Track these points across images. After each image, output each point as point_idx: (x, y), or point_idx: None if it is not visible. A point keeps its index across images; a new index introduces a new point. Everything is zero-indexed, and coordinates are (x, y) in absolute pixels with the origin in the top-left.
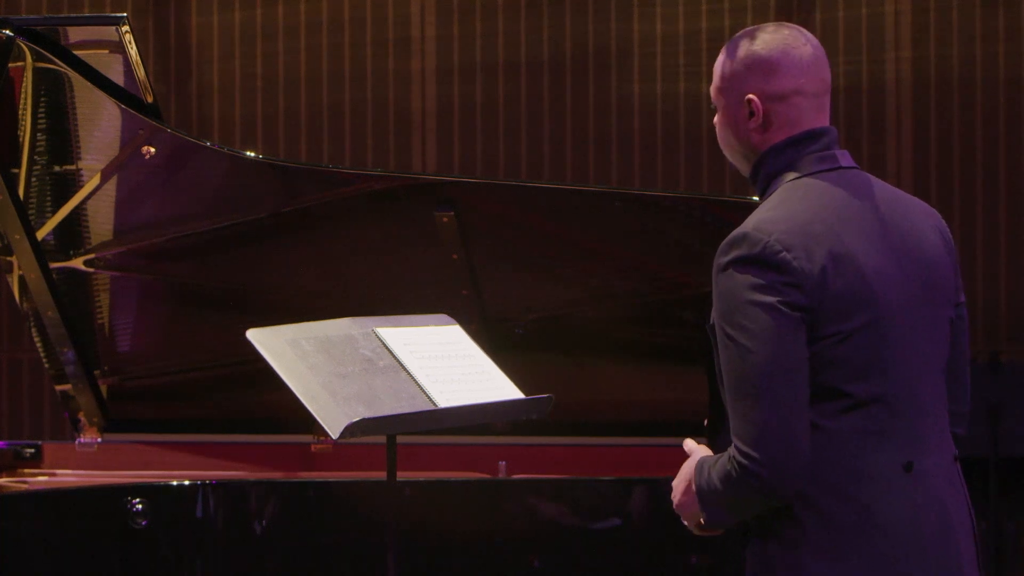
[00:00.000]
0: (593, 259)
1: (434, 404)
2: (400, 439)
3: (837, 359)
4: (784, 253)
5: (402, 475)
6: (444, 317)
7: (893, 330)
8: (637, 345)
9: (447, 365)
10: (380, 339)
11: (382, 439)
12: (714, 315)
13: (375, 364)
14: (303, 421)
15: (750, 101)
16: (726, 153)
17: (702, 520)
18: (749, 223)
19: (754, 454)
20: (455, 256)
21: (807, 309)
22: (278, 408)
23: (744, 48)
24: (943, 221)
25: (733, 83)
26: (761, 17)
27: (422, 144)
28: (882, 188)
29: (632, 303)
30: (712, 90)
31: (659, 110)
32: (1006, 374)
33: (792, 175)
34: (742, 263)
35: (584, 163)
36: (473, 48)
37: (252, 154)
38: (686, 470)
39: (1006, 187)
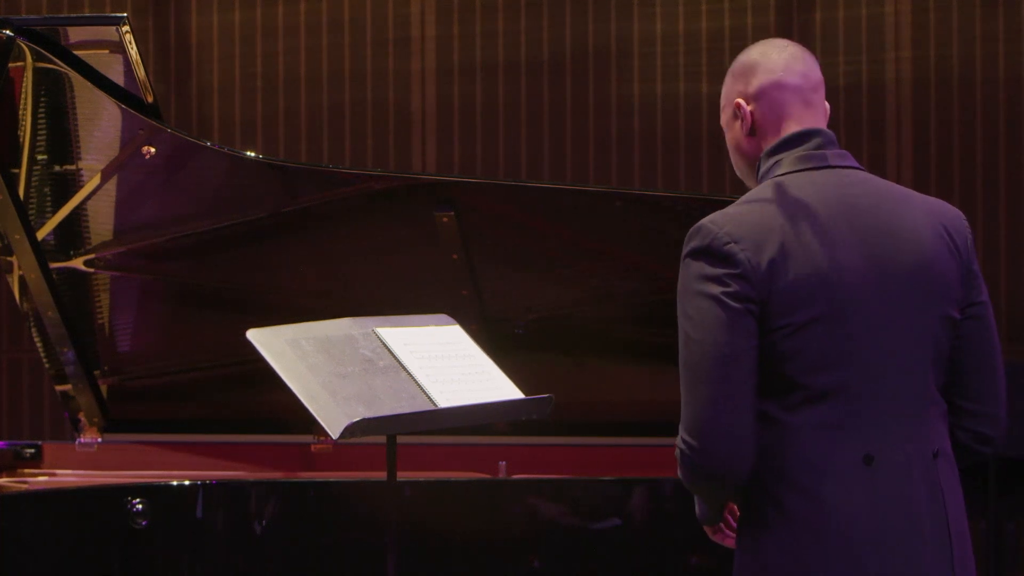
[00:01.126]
0: (593, 259)
1: (434, 404)
2: (400, 439)
3: (791, 351)
4: (731, 245)
5: (402, 475)
6: (444, 317)
7: (857, 324)
8: (637, 345)
9: (447, 365)
10: (380, 339)
11: (382, 439)
12: None
13: (375, 364)
14: (303, 421)
15: (737, 106)
16: (742, 177)
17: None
18: (710, 216)
19: (691, 440)
20: (455, 256)
21: (755, 301)
22: (278, 408)
23: (732, 65)
24: (960, 222)
25: (727, 98)
26: (761, 17)
27: (422, 144)
28: (877, 187)
29: (632, 303)
30: (721, 122)
31: (659, 110)
32: (1006, 374)
33: (775, 173)
34: (695, 254)
35: (584, 163)
36: (473, 48)
37: (252, 154)
38: None
39: (1006, 187)
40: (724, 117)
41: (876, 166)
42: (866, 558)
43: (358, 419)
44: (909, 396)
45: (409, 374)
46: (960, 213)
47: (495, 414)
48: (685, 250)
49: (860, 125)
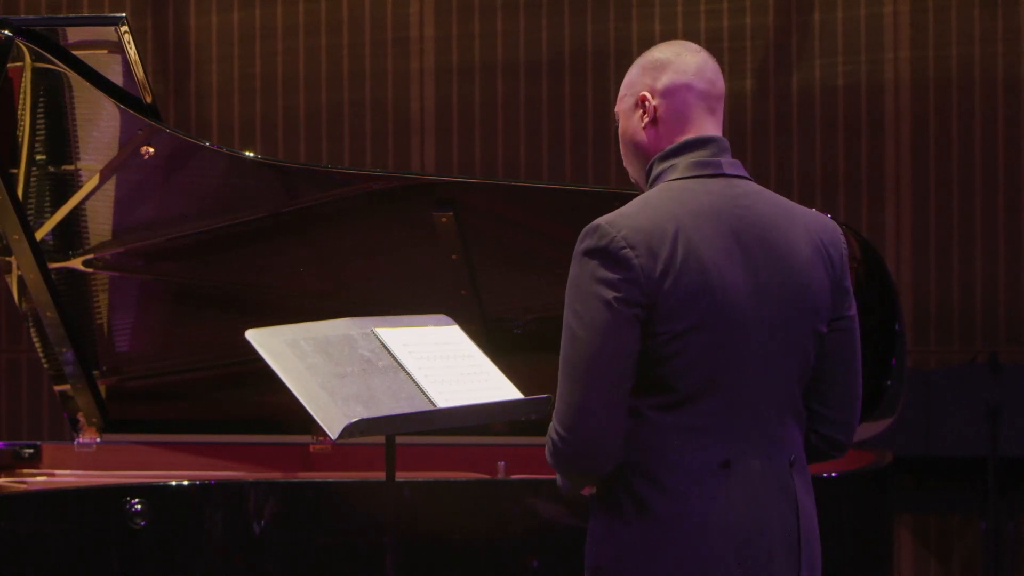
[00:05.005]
0: None
1: (433, 404)
2: (399, 439)
3: (669, 354)
4: (627, 250)
5: (401, 475)
6: (443, 317)
7: (732, 334)
8: None
9: (446, 365)
10: (379, 339)
11: (381, 439)
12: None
13: (374, 364)
14: (302, 421)
15: (642, 99)
16: (628, 167)
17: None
18: (606, 216)
19: (564, 434)
20: (454, 256)
21: (643, 306)
22: (277, 408)
23: (641, 59)
24: (837, 236)
25: (630, 88)
26: (760, 17)
27: (421, 144)
28: (764, 199)
29: None
30: (616, 109)
31: None
32: (1005, 374)
33: (670, 177)
34: (590, 254)
35: (583, 163)
36: (472, 48)
37: (251, 154)
38: None
39: (1005, 187)
40: (622, 105)
41: (875, 166)
42: (718, 558)
43: (357, 419)
44: (772, 407)
45: (408, 374)
46: (837, 228)
47: (494, 414)
48: (580, 247)
49: (859, 125)
